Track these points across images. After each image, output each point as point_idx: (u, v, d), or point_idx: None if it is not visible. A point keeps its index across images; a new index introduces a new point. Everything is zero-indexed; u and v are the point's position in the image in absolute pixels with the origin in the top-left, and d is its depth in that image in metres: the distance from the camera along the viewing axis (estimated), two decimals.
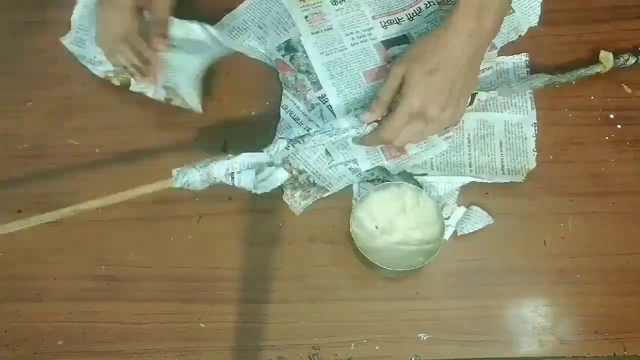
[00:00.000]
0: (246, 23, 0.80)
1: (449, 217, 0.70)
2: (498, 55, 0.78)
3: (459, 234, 0.69)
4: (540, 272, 0.69)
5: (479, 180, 0.70)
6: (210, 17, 0.80)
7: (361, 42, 0.78)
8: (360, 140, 0.71)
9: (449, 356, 0.66)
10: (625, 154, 0.73)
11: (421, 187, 0.69)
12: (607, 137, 0.74)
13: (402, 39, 0.78)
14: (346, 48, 0.77)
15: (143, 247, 0.70)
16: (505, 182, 0.71)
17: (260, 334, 0.66)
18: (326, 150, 0.73)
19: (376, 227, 0.67)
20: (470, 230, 0.69)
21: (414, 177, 0.71)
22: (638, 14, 0.80)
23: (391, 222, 0.67)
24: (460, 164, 0.73)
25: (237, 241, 0.70)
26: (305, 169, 0.73)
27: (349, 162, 0.72)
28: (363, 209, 0.67)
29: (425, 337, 0.66)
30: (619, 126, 0.75)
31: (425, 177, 0.70)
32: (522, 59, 0.77)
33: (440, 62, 0.65)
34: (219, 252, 0.70)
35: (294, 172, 0.72)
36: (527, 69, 0.77)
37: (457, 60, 0.65)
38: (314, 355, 0.66)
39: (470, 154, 0.73)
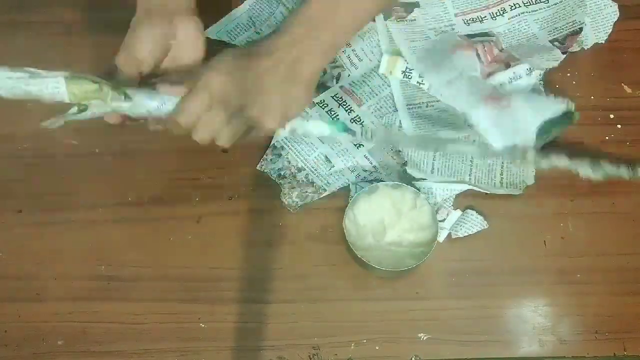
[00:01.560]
0: (251, 20, 0.80)
1: (444, 219, 0.70)
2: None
3: (453, 236, 0.69)
4: (540, 272, 0.69)
5: (476, 189, 0.70)
6: (213, 17, 0.81)
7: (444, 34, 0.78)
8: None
9: (449, 356, 0.66)
10: (625, 154, 0.73)
11: (419, 190, 0.69)
12: (607, 137, 0.74)
13: (486, 34, 0.78)
14: (429, 38, 0.78)
15: (143, 247, 0.70)
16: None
17: (260, 334, 0.66)
18: (326, 156, 0.73)
19: (369, 225, 0.67)
20: (465, 234, 0.69)
21: (413, 182, 0.70)
22: (638, 14, 0.80)
23: (386, 222, 0.67)
24: (461, 171, 0.72)
25: (237, 241, 0.70)
26: (304, 166, 0.73)
27: (348, 167, 0.72)
28: (358, 206, 0.67)
29: (425, 337, 0.66)
30: (619, 126, 0.75)
31: (424, 182, 0.70)
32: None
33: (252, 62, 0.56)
34: (219, 252, 0.70)
35: (293, 170, 0.72)
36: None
37: (274, 62, 0.56)
38: (314, 355, 0.66)
39: (472, 162, 0.72)
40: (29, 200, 0.72)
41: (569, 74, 0.77)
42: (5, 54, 0.80)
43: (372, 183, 0.71)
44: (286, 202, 0.71)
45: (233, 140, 0.61)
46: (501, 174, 0.72)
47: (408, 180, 0.71)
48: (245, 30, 0.80)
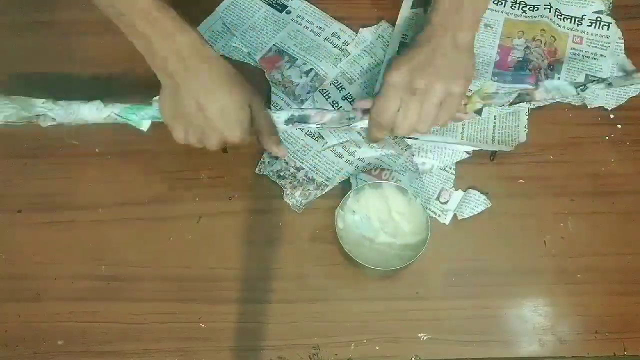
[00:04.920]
0: (225, 26, 0.81)
1: (447, 201, 0.70)
2: None
3: (459, 217, 0.70)
4: (540, 272, 0.69)
5: (468, 148, 0.72)
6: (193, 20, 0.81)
7: None
8: (367, 137, 0.71)
9: (449, 356, 0.66)
10: (625, 154, 0.73)
11: (406, 190, 0.68)
12: (607, 137, 0.74)
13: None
14: None
15: (143, 247, 0.70)
16: (494, 150, 0.73)
17: (260, 334, 0.66)
18: (319, 133, 0.73)
19: (361, 222, 0.68)
20: (471, 214, 0.70)
21: (405, 139, 0.72)
22: (638, 14, 0.80)
23: (378, 221, 0.68)
24: (453, 129, 0.74)
25: (237, 241, 0.70)
26: (302, 165, 0.73)
27: (342, 143, 0.73)
28: (353, 201, 0.68)
29: (425, 337, 0.66)
30: (619, 126, 0.75)
31: (415, 140, 0.72)
32: None
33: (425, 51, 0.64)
34: (219, 252, 0.70)
35: (292, 170, 0.73)
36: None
37: (444, 44, 0.64)
38: (314, 355, 0.66)
39: (464, 123, 0.75)
40: (29, 200, 0.72)
41: None
42: (11, 53, 0.80)
43: (370, 173, 0.72)
44: (290, 203, 0.71)
45: (429, 121, 0.66)
46: (494, 127, 0.74)
47: (405, 159, 0.72)
48: (221, 37, 0.80)
